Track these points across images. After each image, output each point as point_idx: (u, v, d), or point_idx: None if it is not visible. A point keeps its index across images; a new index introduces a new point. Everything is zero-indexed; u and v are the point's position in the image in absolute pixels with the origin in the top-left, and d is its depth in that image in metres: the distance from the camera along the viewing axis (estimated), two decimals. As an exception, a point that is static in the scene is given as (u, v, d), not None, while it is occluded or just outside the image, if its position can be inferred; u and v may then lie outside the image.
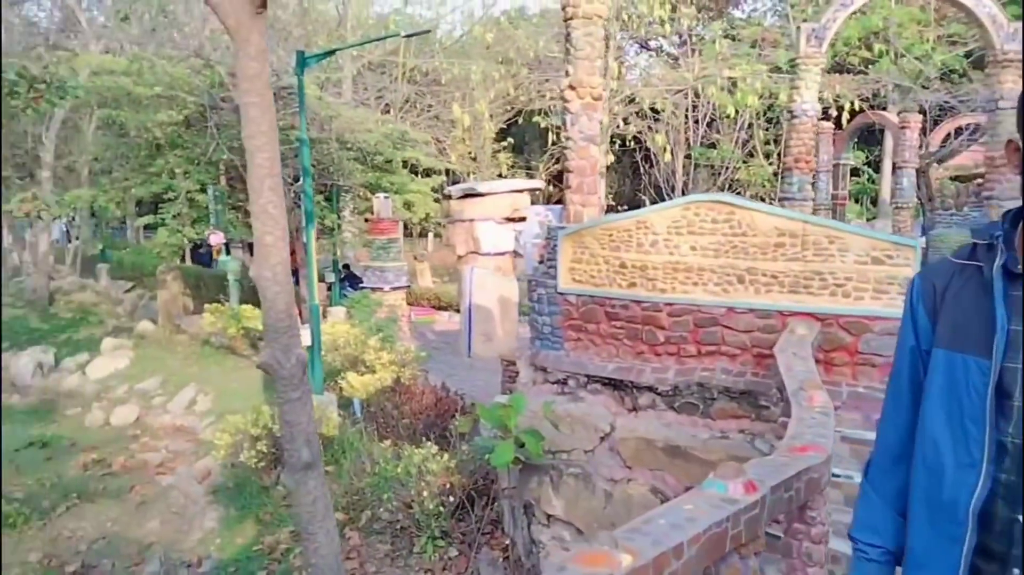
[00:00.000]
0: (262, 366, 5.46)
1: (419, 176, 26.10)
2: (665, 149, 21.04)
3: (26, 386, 15.29)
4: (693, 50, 24.36)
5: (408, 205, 22.93)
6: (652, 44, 32.60)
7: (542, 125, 26.36)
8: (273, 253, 5.13)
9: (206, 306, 15.71)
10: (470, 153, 31.87)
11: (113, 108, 17.54)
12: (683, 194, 25.93)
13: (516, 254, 16.21)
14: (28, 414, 13.94)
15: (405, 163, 23.89)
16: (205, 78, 16.44)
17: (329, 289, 19.72)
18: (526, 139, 37.35)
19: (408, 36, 13.87)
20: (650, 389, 6.85)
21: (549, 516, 6.91)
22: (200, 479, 10.88)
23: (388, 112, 28.15)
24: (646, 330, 6.96)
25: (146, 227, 24.65)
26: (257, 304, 16.13)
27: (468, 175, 31.97)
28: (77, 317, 19.40)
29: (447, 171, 29.03)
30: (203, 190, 17.28)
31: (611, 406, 7.08)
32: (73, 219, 26.58)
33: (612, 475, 6.68)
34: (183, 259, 23.45)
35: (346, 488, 8.56)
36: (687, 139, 26.04)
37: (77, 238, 27.09)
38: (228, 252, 19.52)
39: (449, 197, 16.27)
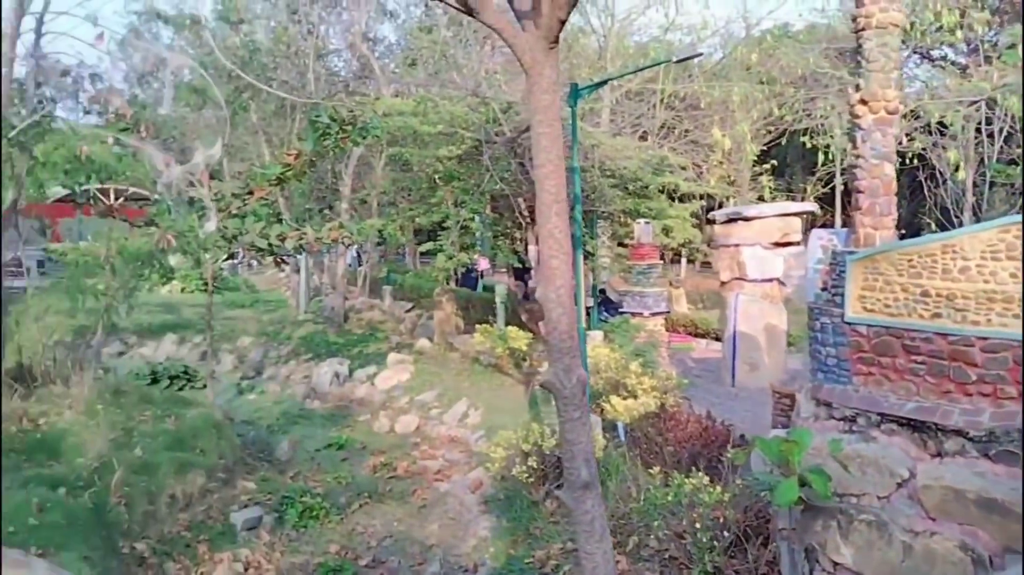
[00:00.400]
0: (545, 385, 5.63)
1: (676, 201, 25.89)
2: (958, 167, 18.87)
3: (325, 393, 17.33)
4: (986, 57, 21.68)
5: (666, 230, 22.83)
6: (934, 54, 29.57)
7: (808, 145, 24.96)
8: (558, 275, 5.29)
9: (477, 326, 16.75)
10: (728, 177, 31.01)
11: (400, 146, 19.49)
12: (975, 216, 23.08)
13: (779, 282, 15.45)
14: (326, 418, 15.72)
15: (662, 188, 23.83)
16: (480, 115, 17.65)
17: (588, 313, 20.14)
18: (788, 161, 35.59)
19: (679, 61, 13.90)
20: (958, 433, 6.11)
21: (836, 564, 6.40)
22: (473, 489, 11.55)
23: (645, 139, 28.30)
24: (954, 367, 6.24)
25: (422, 253, 26.92)
26: (521, 326, 16.93)
27: (727, 199, 31.09)
28: (367, 333, 21.64)
29: (704, 196, 28.50)
30: (473, 219, 18.56)
31: (910, 449, 6.41)
32: (362, 246, 29.78)
33: (912, 526, 6.04)
34: (450, 282, 25.31)
35: (612, 511, 8.57)
36: (979, 155, 23.17)
37: (366, 263, 30.30)
38: (482, 276, 20.72)
39: (713, 222, 15.96)
